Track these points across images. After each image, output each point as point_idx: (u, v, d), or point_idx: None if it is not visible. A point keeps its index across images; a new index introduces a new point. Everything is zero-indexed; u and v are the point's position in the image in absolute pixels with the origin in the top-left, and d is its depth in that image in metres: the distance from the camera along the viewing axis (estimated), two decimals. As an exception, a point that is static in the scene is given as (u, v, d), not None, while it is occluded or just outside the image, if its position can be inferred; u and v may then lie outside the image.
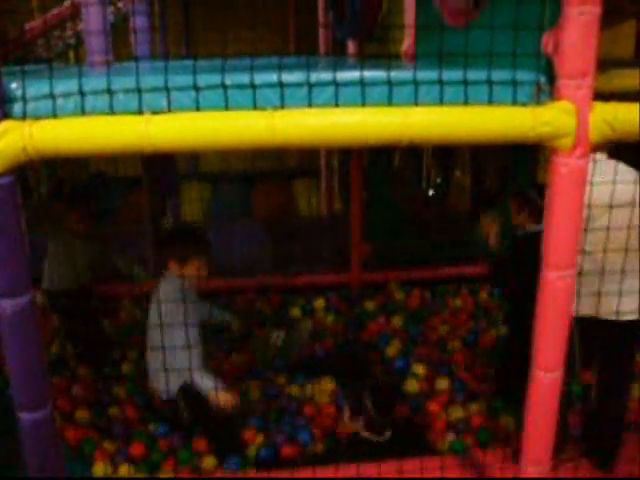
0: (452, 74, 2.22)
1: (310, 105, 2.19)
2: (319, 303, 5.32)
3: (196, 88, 2.15)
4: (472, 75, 2.22)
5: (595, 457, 3.22)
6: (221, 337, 4.72)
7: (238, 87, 2.17)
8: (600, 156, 2.75)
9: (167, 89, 2.14)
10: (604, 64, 2.51)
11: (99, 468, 3.42)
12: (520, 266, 3.42)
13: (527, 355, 2.58)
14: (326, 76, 2.18)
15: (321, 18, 5.51)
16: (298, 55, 4.62)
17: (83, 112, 2.15)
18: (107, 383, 4.19)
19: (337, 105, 2.19)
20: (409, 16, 3.94)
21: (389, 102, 2.20)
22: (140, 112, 2.15)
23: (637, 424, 3.66)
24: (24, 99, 2.14)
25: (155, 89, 2.15)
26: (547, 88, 2.30)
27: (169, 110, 2.16)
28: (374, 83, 2.19)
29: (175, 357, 3.32)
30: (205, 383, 3.43)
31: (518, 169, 5.73)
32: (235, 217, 7.58)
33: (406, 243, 5.96)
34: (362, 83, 2.18)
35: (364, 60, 2.66)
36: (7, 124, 2.09)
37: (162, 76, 2.14)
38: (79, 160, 7.07)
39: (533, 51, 2.32)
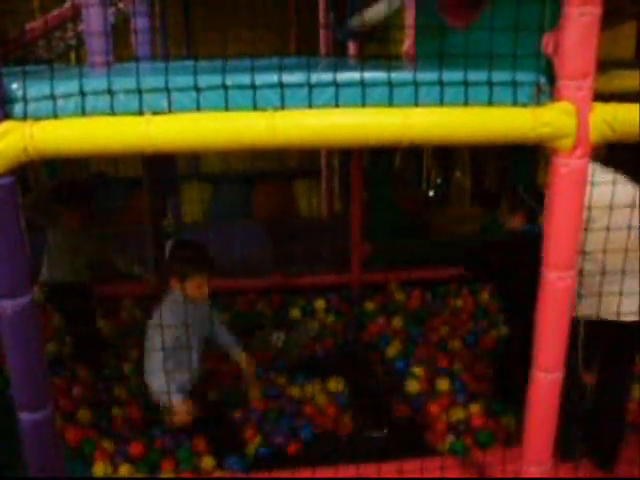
0: (452, 75, 2.22)
1: (310, 106, 2.19)
2: (319, 304, 5.32)
3: (197, 89, 2.15)
4: (472, 76, 2.22)
5: (596, 457, 3.22)
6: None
7: (238, 88, 2.17)
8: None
9: (168, 90, 2.14)
10: (604, 65, 2.52)
11: (99, 468, 3.42)
12: (512, 266, 3.45)
13: (525, 355, 2.58)
14: (326, 77, 2.19)
15: (322, 19, 5.51)
16: (299, 56, 4.63)
17: (84, 113, 2.15)
18: (107, 383, 4.19)
19: (337, 106, 2.19)
20: (409, 17, 3.93)
21: (389, 103, 2.20)
22: (141, 113, 2.15)
23: (637, 425, 3.66)
24: (25, 100, 2.14)
25: (156, 90, 2.15)
26: (547, 89, 2.30)
27: (170, 111, 2.16)
28: (374, 84, 2.19)
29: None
30: (156, 388, 3.43)
31: (518, 170, 5.74)
32: (235, 217, 7.58)
33: (406, 243, 5.96)
34: (362, 84, 2.18)
35: (364, 61, 2.66)
36: (8, 124, 2.10)
37: (163, 77, 2.14)
38: (80, 161, 7.07)
39: (533, 52, 2.32)
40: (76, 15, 5.66)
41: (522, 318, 2.70)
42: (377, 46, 5.01)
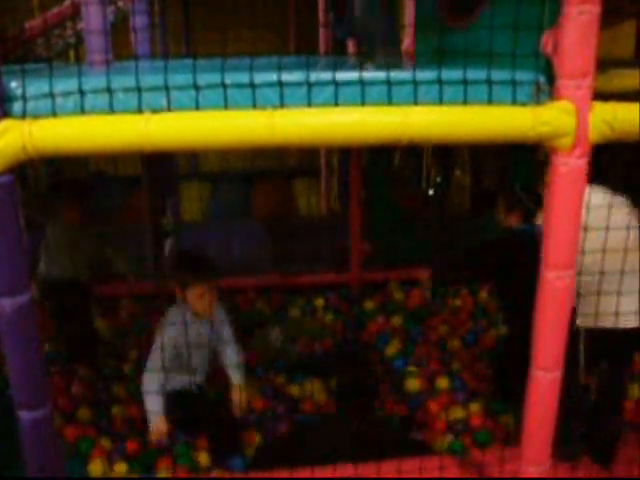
0: (452, 74, 2.22)
1: (310, 104, 2.19)
2: (319, 302, 5.32)
3: (196, 87, 2.15)
4: (472, 75, 2.22)
5: (595, 455, 3.23)
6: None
7: (238, 86, 2.17)
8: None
9: (167, 88, 2.14)
10: (604, 64, 2.52)
11: (96, 466, 3.42)
12: (510, 265, 3.46)
13: (524, 355, 2.59)
14: (325, 75, 2.19)
15: (321, 17, 5.50)
16: (298, 54, 4.62)
17: (83, 111, 2.15)
18: (107, 382, 4.19)
19: (337, 104, 2.19)
20: (409, 15, 3.93)
21: (389, 101, 2.20)
22: (140, 111, 2.15)
23: (636, 424, 3.67)
24: (24, 98, 2.14)
25: (155, 88, 2.15)
26: (547, 88, 2.30)
27: (169, 109, 2.16)
28: (373, 82, 2.19)
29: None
30: (148, 405, 3.40)
31: (517, 169, 5.73)
32: (235, 216, 7.58)
33: (406, 242, 5.95)
34: (361, 82, 2.18)
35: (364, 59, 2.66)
36: (7, 123, 2.10)
37: (162, 75, 2.14)
38: (79, 159, 7.07)
39: (533, 51, 2.32)
40: (75, 13, 5.66)
41: (521, 317, 2.71)
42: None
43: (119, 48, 3.64)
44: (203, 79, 2.15)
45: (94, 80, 2.18)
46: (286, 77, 2.17)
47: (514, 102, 2.27)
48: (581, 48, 2.13)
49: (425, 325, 5.01)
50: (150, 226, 5.29)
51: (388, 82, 2.19)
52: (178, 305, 3.54)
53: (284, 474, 3.03)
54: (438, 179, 7.92)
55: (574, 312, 2.66)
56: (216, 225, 6.80)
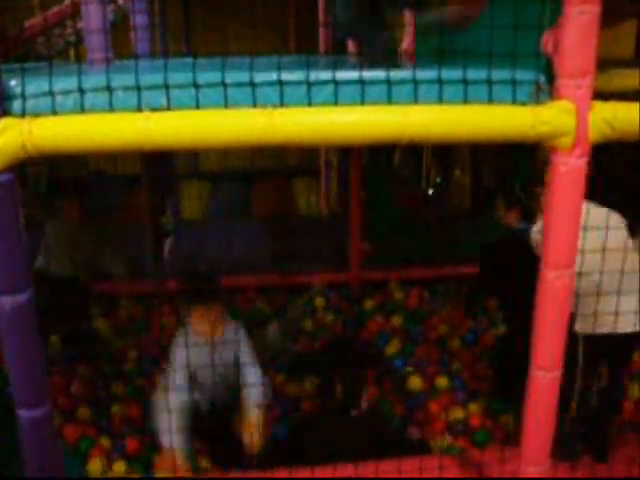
0: (452, 73, 2.21)
1: (310, 104, 2.19)
2: (319, 302, 5.32)
3: (196, 86, 2.15)
4: (472, 74, 2.22)
5: (593, 452, 3.25)
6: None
7: (238, 85, 2.17)
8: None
9: (167, 87, 2.14)
10: (604, 64, 2.51)
11: (95, 464, 3.42)
12: (509, 264, 3.47)
13: (524, 354, 2.59)
14: (325, 75, 2.18)
15: (321, 17, 5.49)
16: (298, 54, 4.62)
17: (82, 109, 2.15)
18: (106, 381, 4.18)
19: (336, 104, 2.19)
20: (408, 15, 3.93)
21: (388, 101, 2.20)
22: (139, 110, 2.15)
23: (636, 424, 3.67)
24: (23, 96, 2.14)
25: (154, 87, 2.15)
26: (547, 87, 2.29)
27: (168, 108, 2.16)
28: (373, 82, 2.19)
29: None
30: (160, 423, 3.19)
31: (518, 168, 5.73)
32: (235, 216, 7.57)
33: (406, 242, 5.95)
34: (361, 82, 2.18)
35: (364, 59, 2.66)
36: (6, 121, 2.10)
37: (162, 74, 2.14)
38: (78, 158, 7.06)
39: (533, 50, 2.31)
40: (76, 12, 5.65)
41: (520, 316, 2.71)
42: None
43: (119, 47, 3.63)
44: (203, 78, 2.15)
45: (94, 78, 2.18)
46: (286, 76, 2.17)
47: (514, 101, 2.26)
48: (581, 48, 2.13)
49: (425, 324, 5.01)
50: (150, 225, 5.28)
51: (388, 81, 2.19)
52: (183, 324, 3.43)
53: (284, 474, 3.03)
54: (438, 179, 7.92)
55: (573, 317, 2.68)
56: (216, 224, 6.79)
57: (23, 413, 2.44)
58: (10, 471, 3.19)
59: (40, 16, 5.86)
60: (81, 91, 2.14)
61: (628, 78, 3.16)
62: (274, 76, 2.17)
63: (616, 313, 2.93)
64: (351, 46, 4.96)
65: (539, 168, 3.58)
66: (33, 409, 2.44)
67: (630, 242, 3.10)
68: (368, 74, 2.20)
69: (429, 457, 3.21)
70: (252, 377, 3.36)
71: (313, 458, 3.07)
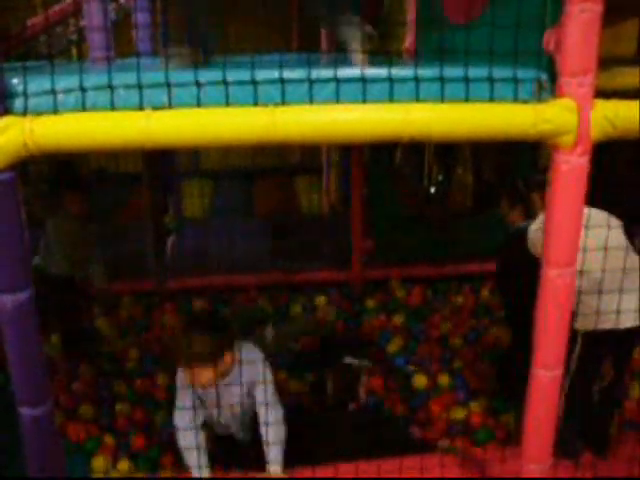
0: (453, 71, 2.21)
1: (311, 102, 2.19)
2: (320, 300, 5.32)
3: (197, 84, 2.15)
4: (473, 72, 2.22)
5: (592, 447, 3.27)
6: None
7: (239, 83, 2.16)
8: None
9: (168, 85, 2.14)
10: (606, 62, 2.51)
11: (98, 462, 3.43)
12: (514, 263, 3.47)
13: (526, 353, 2.59)
14: (327, 73, 2.18)
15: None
16: (300, 52, 4.61)
17: (84, 108, 2.15)
18: (108, 379, 4.19)
19: (338, 102, 2.19)
20: (410, 13, 3.93)
21: (390, 99, 2.20)
22: (141, 108, 2.14)
23: (636, 423, 3.67)
24: (25, 95, 2.14)
25: (156, 85, 2.15)
26: (548, 85, 2.29)
27: (170, 106, 2.15)
28: (375, 80, 2.19)
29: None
30: (181, 441, 3.06)
31: (519, 166, 5.73)
32: (236, 214, 7.57)
33: (407, 240, 5.95)
34: (363, 80, 2.17)
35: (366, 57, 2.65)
36: (8, 120, 2.10)
37: (163, 72, 2.14)
38: (80, 156, 7.06)
39: (535, 48, 2.31)
40: (77, 10, 5.65)
41: (523, 314, 2.71)
42: (379, 42, 4.99)
43: (121, 45, 3.64)
44: (204, 76, 2.15)
45: (95, 77, 2.17)
46: (288, 74, 2.16)
47: (516, 99, 2.26)
48: (583, 46, 2.13)
49: (427, 323, 5.01)
50: (151, 224, 5.28)
51: (390, 79, 2.18)
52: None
53: (284, 474, 3.04)
54: (440, 177, 7.91)
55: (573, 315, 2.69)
56: (218, 222, 6.79)
57: (24, 411, 2.44)
58: (11, 470, 3.20)
59: (42, 15, 5.86)
60: (83, 89, 2.14)
61: (630, 76, 3.16)
62: (276, 74, 2.17)
63: (618, 309, 2.93)
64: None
65: (539, 172, 3.60)
66: (34, 407, 2.44)
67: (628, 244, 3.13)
68: (370, 72, 2.20)
69: (430, 456, 3.21)
70: (268, 417, 3.01)
71: (311, 458, 3.08)
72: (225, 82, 2.14)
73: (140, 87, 2.13)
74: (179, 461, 3.41)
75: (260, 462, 3.05)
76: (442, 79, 2.20)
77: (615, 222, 3.12)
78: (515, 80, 2.25)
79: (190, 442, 3.01)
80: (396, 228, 5.99)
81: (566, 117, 2.18)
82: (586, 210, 2.37)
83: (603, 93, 2.25)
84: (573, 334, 2.82)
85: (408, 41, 4.00)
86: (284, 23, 8.88)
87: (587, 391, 3.22)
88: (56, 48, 6.03)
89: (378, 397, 4.02)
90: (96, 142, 2.13)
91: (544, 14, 2.35)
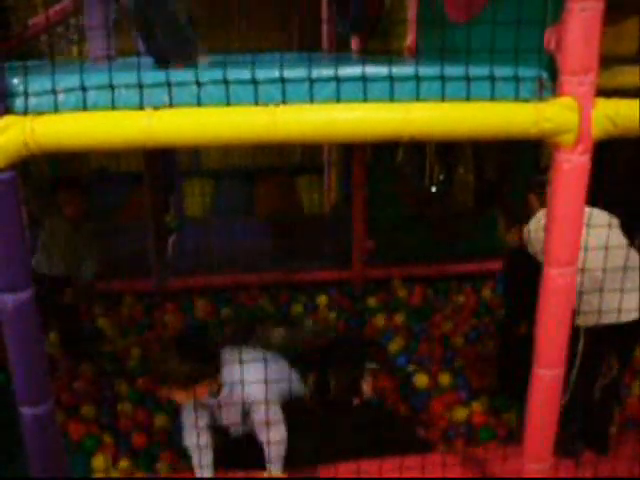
0: (454, 70, 2.21)
1: (312, 101, 2.19)
2: (321, 300, 5.32)
3: (198, 83, 2.15)
4: (474, 71, 2.22)
5: (594, 446, 3.27)
6: (221, 332, 4.74)
7: (240, 83, 2.17)
8: None
9: (169, 84, 2.14)
10: (607, 60, 2.51)
11: (99, 461, 3.43)
12: (516, 280, 3.53)
13: (525, 351, 2.59)
14: (328, 72, 2.18)
15: (324, 14, 5.49)
16: (301, 51, 4.61)
17: (85, 107, 2.15)
18: (109, 379, 4.19)
19: (339, 101, 2.19)
20: (411, 12, 3.93)
21: (391, 98, 2.20)
22: (141, 107, 2.15)
23: (637, 421, 3.67)
24: (26, 94, 2.14)
25: (157, 84, 2.15)
26: (549, 84, 2.29)
27: (170, 105, 2.16)
28: (375, 79, 2.19)
29: None
30: (195, 460, 3.06)
31: (521, 165, 5.73)
32: (238, 213, 7.57)
33: (409, 240, 5.95)
34: (364, 79, 2.17)
35: (367, 56, 2.66)
36: (9, 119, 2.10)
37: (164, 71, 2.14)
38: (80, 155, 7.07)
39: (535, 47, 2.31)
40: (78, 10, 5.66)
41: (524, 315, 2.72)
42: (380, 41, 5.00)
43: (121, 45, 3.64)
44: (205, 75, 2.15)
45: (96, 76, 2.18)
46: (288, 74, 2.17)
47: (517, 98, 2.26)
48: (584, 44, 2.13)
49: (428, 322, 5.00)
50: (153, 223, 5.28)
51: (390, 78, 2.19)
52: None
53: (284, 474, 3.04)
54: (441, 176, 7.91)
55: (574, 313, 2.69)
56: (219, 222, 6.79)
57: (26, 410, 2.45)
58: (12, 470, 3.20)
59: (43, 14, 5.87)
60: (83, 89, 2.14)
61: (631, 75, 3.16)
62: (276, 73, 2.17)
63: (619, 306, 2.94)
64: (354, 43, 4.97)
65: (541, 172, 3.60)
66: (36, 406, 2.44)
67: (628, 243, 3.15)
68: (370, 71, 2.20)
69: (432, 455, 3.21)
70: (271, 436, 2.95)
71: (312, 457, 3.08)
72: (226, 81, 2.15)
73: (141, 87, 2.13)
74: (179, 461, 3.44)
75: (260, 462, 3.05)
76: (443, 78, 2.20)
77: (615, 221, 3.12)
78: (516, 79, 2.26)
79: (193, 441, 3.02)
80: (397, 227, 5.99)
81: (567, 116, 2.17)
82: (587, 209, 2.38)
83: (604, 92, 2.25)
84: (575, 331, 2.82)
85: (409, 39, 4.00)
86: (284, 21, 8.87)
87: (589, 389, 3.22)
88: (57, 48, 6.04)
89: (379, 397, 4.02)
90: (97, 141, 2.13)
91: (545, 12, 2.34)
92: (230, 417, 3.06)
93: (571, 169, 2.25)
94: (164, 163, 5.53)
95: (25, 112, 2.14)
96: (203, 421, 3.03)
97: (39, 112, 2.14)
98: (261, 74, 2.17)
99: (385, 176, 6.30)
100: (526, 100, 2.26)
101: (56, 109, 2.15)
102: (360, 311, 5.18)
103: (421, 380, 4.18)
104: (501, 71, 2.24)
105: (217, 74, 2.16)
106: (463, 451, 3.41)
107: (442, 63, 2.19)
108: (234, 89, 2.17)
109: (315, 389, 3.75)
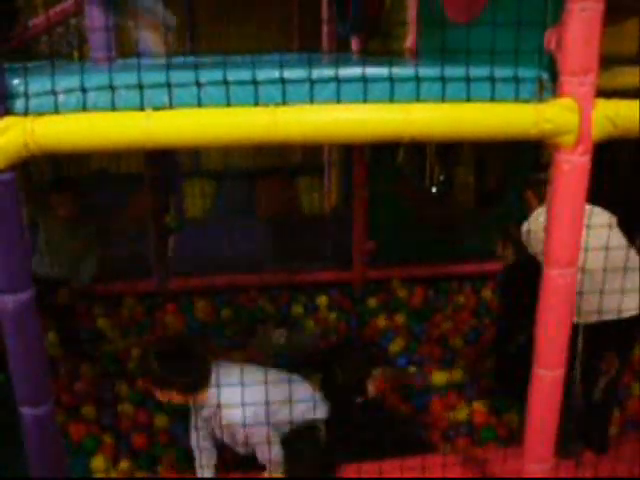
0: (454, 70, 2.21)
1: (312, 101, 2.19)
2: (322, 300, 5.32)
3: (198, 84, 2.15)
4: (474, 72, 2.22)
5: (593, 445, 3.28)
6: (222, 333, 4.74)
7: (240, 83, 2.17)
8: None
9: (169, 85, 2.14)
10: (607, 61, 2.51)
11: (99, 462, 3.43)
12: (511, 298, 3.55)
13: (525, 352, 2.59)
14: (328, 73, 2.18)
15: (325, 14, 5.49)
16: (301, 51, 4.61)
17: (85, 108, 2.15)
18: (110, 379, 4.19)
19: (339, 101, 2.19)
20: (411, 12, 3.93)
21: (391, 99, 2.20)
22: (142, 108, 2.15)
23: (637, 422, 3.67)
24: (26, 95, 2.14)
25: (157, 85, 2.15)
26: (549, 85, 2.29)
27: (171, 106, 2.15)
28: (376, 80, 2.19)
29: None
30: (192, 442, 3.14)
31: (521, 165, 5.73)
32: (238, 214, 7.57)
33: (409, 241, 5.95)
34: (364, 79, 2.18)
35: (367, 57, 2.66)
36: (9, 120, 2.10)
37: (164, 72, 2.14)
38: (81, 157, 7.07)
39: (536, 48, 2.31)
40: (79, 11, 5.66)
41: (523, 316, 2.73)
42: (381, 42, 5.00)
43: (122, 45, 3.64)
44: (205, 76, 2.15)
45: (96, 77, 2.17)
46: (289, 74, 2.17)
47: (517, 99, 2.26)
48: (584, 45, 2.13)
49: (428, 323, 5.01)
50: (153, 224, 5.28)
51: (390, 79, 2.18)
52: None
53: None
54: (442, 177, 7.90)
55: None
56: (219, 223, 6.79)
57: (26, 411, 2.45)
58: (12, 470, 3.20)
59: (43, 15, 5.87)
60: (83, 90, 2.14)
61: (631, 76, 3.16)
62: (276, 74, 2.17)
63: (619, 304, 2.95)
64: (354, 44, 4.97)
65: (541, 170, 3.61)
66: (36, 407, 2.44)
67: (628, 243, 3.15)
68: (371, 71, 2.20)
69: (432, 455, 3.21)
70: (264, 457, 2.98)
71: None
72: (226, 82, 2.14)
73: (141, 87, 2.13)
74: (178, 460, 3.44)
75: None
76: (443, 79, 2.20)
77: (614, 221, 3.12)
78: (516, 80, 2.26)
79: (194, 442, 3.12)
80: (398, 228, 5.98)
81: (567, 116, 2.17)
82: (588, 207, 2.38)
83: (604, 92, 2.25)
84: (574, 328, 2.82)
85: (409, 40, 4.00)
86: (284, 22, 8.87)
87: (589, 389, 3.21)
88: (57, 49, 6.04)
89: (380, 397, 4.02)
90: (97, 142, 2.13)
91: (545, 13, 2.34)
92: (224, 436, 3.04)
93: (571, 170, 2.25)
94: (164, 164, 5.53)
95: (25, 113, 2.14)
96: (204, 427, 3.08)
97: (39, 113, 2.14)
98: (261, 75, 2.17)
99: (385, 177, 6.29)
100: (526, 101, 2.26)
101: (56, 110, 2.15)
102: (360, 312, 5.18)
103: (438, 378, 4.19)
104: (501, 72, 2.24)
105: (217, 75, 2.16)
106: (464, 451, 3.42)
107: (442, 64, 2.19)
108: (234, 90, 2.17)
109: (321, 388, 3.75)
